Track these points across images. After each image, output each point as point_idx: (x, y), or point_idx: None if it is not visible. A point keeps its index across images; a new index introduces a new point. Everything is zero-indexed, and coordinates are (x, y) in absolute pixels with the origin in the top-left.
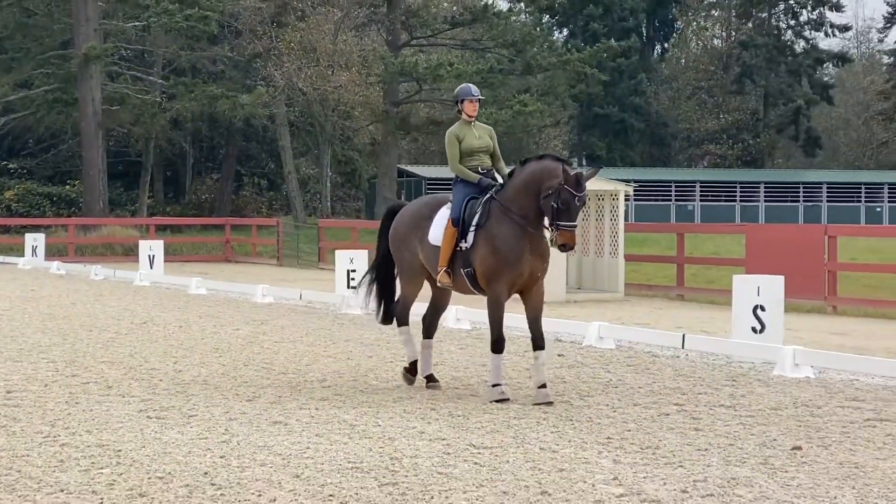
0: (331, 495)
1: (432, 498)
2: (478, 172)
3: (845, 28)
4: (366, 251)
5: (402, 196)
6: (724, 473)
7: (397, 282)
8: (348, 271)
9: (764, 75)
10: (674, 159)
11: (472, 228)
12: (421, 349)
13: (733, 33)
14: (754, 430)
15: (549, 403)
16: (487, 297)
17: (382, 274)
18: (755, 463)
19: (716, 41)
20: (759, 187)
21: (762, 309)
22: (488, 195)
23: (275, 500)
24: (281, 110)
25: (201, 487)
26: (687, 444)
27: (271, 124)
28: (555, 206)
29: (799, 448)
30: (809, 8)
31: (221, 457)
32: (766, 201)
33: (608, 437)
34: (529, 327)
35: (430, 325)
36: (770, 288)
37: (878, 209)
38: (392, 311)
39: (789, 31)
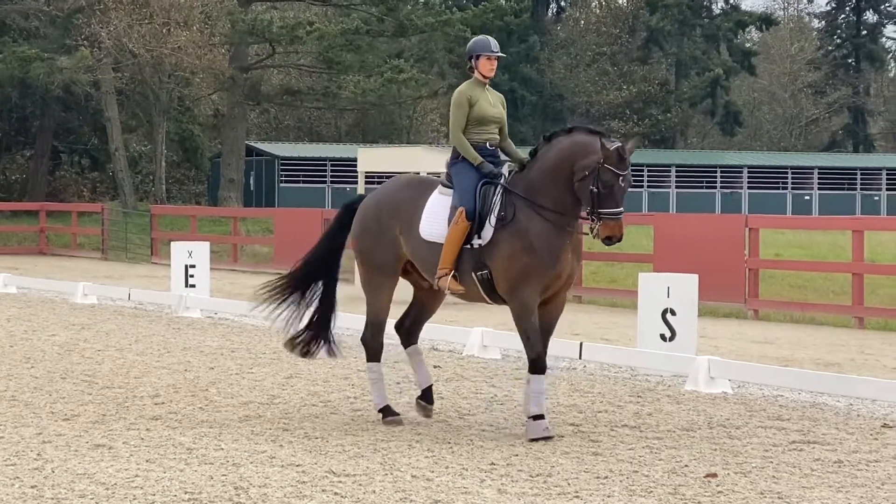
0: None
1: None
2: (485, 150)
3: None
4: (207, 243)
5: (251, 178)
6: None
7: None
8: (186, 266)
9: (676, 40)
10: None
11: (492, 221)
12: (409, 358)
13: None
14: (662, 455)
15: (549, 438)
16: (512, 306)
17: (316, 283)
18: (663, 493)
19: (620, 0)
20: (669, 171)
21: (672, 313)
22: (501, 183)
23: None
24: (107, 76)
25: None
26: (584, 471)
27: (95, 92)
28: (594, 190)
29: (714, 475)
30: None
31: (32, 486)
32: (677, 187)
33: (492, 463)
34: None
35: (411, 329)
36: (682, 288)
37: (807, 197)
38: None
39: None
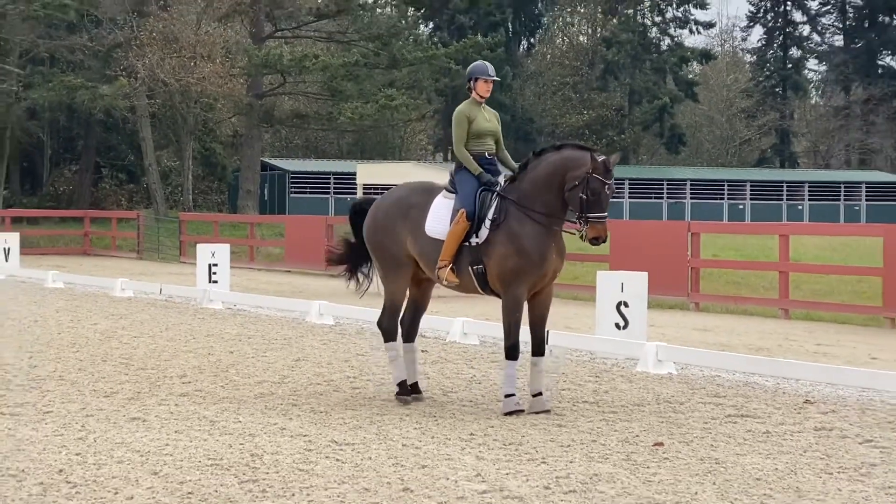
0: (190, 493)
1: (293, 495)
2: (484, 159)
3: (710, 25)
4: (227, 245)
5: (265, 189)
6: (587, 469)
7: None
8: (210, 265)
9: (629, 72)
10: None
11: (487, 223)
12: (404, 354)
13: (599, 30)
14: (617, 427)
15: (546, 412)
16: (504, 299)
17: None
18: (617, 459)
19: (581, 37)
20: (623, 184)
21: (626, 305)
22: (498, 191)
23: (132, 497)
24: (142, 102)
25: (56, 485)
26: (550, 441)
27: (132, 116)
28: (583, 196)
29: (661, 444)
30: (675, 5)
31: (77, 454)
32: (630, 198)
33: (471, 434)
34: (531, 331)
35: (410, 327)
36: (634, 284)
37: (741, 206)
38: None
39: (655, 28)
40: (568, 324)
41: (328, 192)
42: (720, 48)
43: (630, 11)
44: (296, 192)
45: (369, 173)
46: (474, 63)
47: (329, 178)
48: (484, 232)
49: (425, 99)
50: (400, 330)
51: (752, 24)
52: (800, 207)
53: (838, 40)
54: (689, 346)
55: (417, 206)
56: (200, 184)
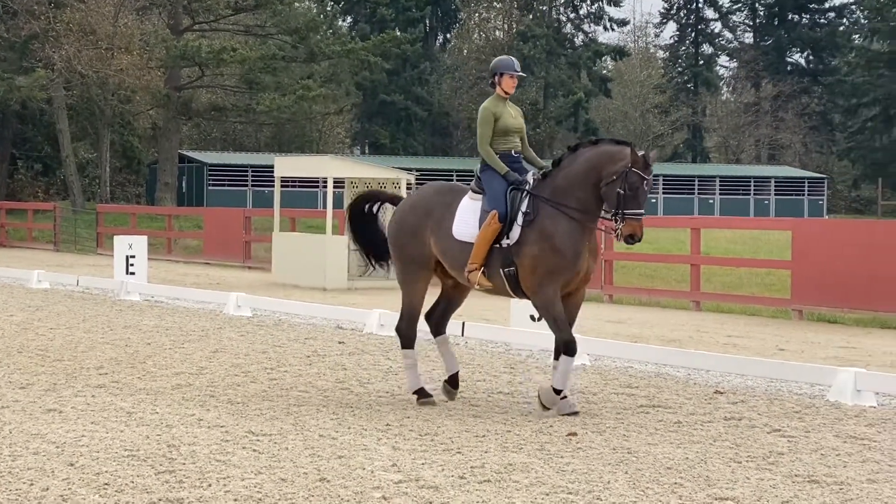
0: (106, 483)
1: (210, 485)
2: (510, 157)
3: (623, 22)
4: (145, 237)
5: (183, 182)
6: (502, 459)
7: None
8: (127, 257)
9: (544, 67)
10: (455, 149)
11: (519, 222)
12: (437, 347)
13: (514, 25)
14: (531, 417)
15: (575, 413)
16: (538, 301)
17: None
18: (532, 449)
19: (497, 33)
20: None
21: None
22: (528, 189)
23: (48, 489)
24: (59, 93)
25: None
26: (465, 431)
27: (48, 107)
28: (621, 192)
29: (574, 434)
30: (589, 1)
31: None
32: None
33: (387, 424)
34: None
35: (439, 321)
36: None
37: (653, 200)
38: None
39: (569, 24)
40: (484, 315)
41: (246, 185)
42: (633, 44)
43: (545, 7)
44: (214, 185)
45: (287, 166)
46: (499, 58)
47: (247, 171)
48: (516, 232)
49: (343, 92)
50: (428, 326)
51: (665, 20)
52: (711, 201)
53: (748, 37)
54: (602, 337)
55: (441, 206)
56: (118, 176)
